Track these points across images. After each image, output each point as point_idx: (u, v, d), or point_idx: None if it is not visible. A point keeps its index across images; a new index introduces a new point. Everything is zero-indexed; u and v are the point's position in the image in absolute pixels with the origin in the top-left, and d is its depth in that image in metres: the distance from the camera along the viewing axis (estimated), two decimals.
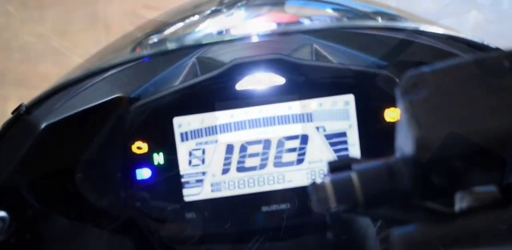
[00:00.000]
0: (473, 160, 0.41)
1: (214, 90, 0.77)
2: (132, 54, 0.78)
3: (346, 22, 0.82)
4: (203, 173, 0.78)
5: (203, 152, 0.78)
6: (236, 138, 0.78)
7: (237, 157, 0.78)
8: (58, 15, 2.49)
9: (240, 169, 0.78)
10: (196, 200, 0.79)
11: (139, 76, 0.80)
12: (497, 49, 0.74)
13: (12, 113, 0.73)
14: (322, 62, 0.79)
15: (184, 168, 0.78)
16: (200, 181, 0.78)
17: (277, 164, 0.78)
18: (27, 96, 0.77)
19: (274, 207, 0.79)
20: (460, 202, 0.45)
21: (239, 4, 0.82)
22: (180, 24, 0.82)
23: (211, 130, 0.78)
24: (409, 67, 0.44)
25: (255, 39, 0.76)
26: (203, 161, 0.78)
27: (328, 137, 0.78)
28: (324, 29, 0.80)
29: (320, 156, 0.79)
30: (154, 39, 0.80)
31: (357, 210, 0.46)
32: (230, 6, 0.81)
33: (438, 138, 0.41)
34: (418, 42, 0.79)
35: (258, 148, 0.78)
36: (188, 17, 0.83)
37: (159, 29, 0.84)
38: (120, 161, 0.78)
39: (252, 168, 0.78)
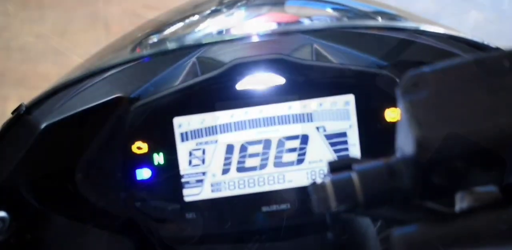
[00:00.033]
0: (474, 160, 0.41)
1: (214, 90, 0.77)
2: (132, 54, 0.78)
3: (346, 22, 0.82)
4: (203, 173, 0.78)
5: (203, 152, 0.78)
6: (236, 138, 0.78)
7: (237, 157, 0.78)
8: (58, 15, 2.49)
9: (240, 169, 0.78)
10: (196, 200, 0.79)
11: (139, 76, 0.80)
12: (497, 49, 0.74)
13: (12, 113, 0.73)
14: (322, 62, 0.79)
15: (184, 168, 0.78)
16: (200, 181, 0.78)
17: (277, 164, 0.78)
18: (27, 96, 0.77)
19: (274, 207, 0.79)
20: (461, 202, 0.45)
21: (239, 4, 0.82)
22: (180, 24, 0.82)
23: (211, 130, 0.78)
24: (409, 67, 0.44)
25: (255, 39, 0.76)
26: (203, 161, 0.78)
27: (328, 137, 0.78)
28: (324, 29, 0.80)
29: (320, 156, 0.79)
30: (154, 39, 0.80)
31: (357, 210, 0.46)
32: (230, 6, 0.81)
33: (439, 137, 0.41)
34: (418, 42, 0.79)
35: (258, 148, 0.78)
36: (188, 17, 0.83)
37: (159, 29, 0.84)
38: (120, 161, 0.78)
39: (252, 168, 0.78)
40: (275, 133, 0.78)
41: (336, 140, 0.78)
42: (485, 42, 0.76)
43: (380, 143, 0.77)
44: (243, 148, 0.78)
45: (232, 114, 0.78)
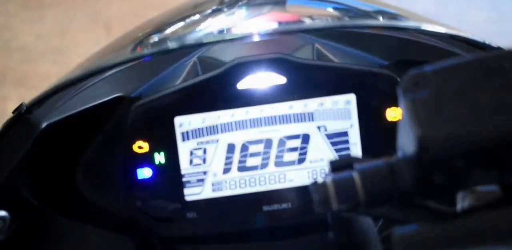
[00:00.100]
0: (474, 159, 0.41)
1: (215, 90, 0.77)
2: (132, 53, 0.78)
3: (347, 21, 0.82)
4: (204, 173, 0.78)
5: (204, 151, 0.78)
6: (237, 137, 0.78)
7: (238, 156, 0.78)
8: (58, 15, 2.50)
9: (241, 169, 0.78)
10: (197, 200, 0.79)
11: (140, 76, 0.80)
12: (498, 48, 0.74)
13: (13, 112, 0.73)
14: (324, 61, 0.79)
15: (185, 167, 0.78)
16: (201, 180, 0.78)
17: (278, 163, 0.78)
18: (27, 96, 0.77)
19: (275, 207, 0.79)
20: (462, 202, 0.45)
21: (240, 3, 0.82)
22: (181, 24, 0.82)
23: (212, 129, 0.78)
24: (410, 67, 0.44)
25: (256, 38, 0.76)
26: (204, 160, 0.78)
27: (329, 136, 0.78)
28: (325, 28, 0.80)
29: (321, 155, 0.79)
30: (155, 38, 0.80)
31: (358, 210, 0.46)
32: (231, 5, 0.81)
33: (440, 137, 0.41)
34: (419, 42, 0.79)
35: (259, 147, 0.78)
36: (189, 16, 0.83)
37: (159, 28, 0.84)
38: (121, 160, 0.78)
39: (253, 168, 0.78)
40: (276, 132, 0.78)
41: (337, 139, 0.78)
42: (486, 42, 0.76)
43: (381, 142, 0.77)
44: (244, 147, 0.78)
45: (233, 114, 0.78)
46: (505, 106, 0.41)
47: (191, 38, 0.78)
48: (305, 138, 0.78)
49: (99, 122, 0.77)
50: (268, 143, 0.78)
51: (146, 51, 0.78)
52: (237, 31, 0.78)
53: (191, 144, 0.78)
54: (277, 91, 0.78)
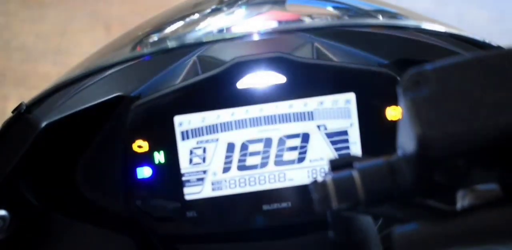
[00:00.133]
0: (475, 158, 0.41)
1: (215, 89, 0.77)
2: (132, 52, 0.77)
3: (347, 20, 0.82)
4: (204, 172, 0.78)
5: (204, 150, 0.78)
6: (237, 136, 0.78)
7: (238, 156, 0.78)
8: (58, 14, 2.50)
9: (241, 168, 0.78)
10: (197, 199, 0.79)
11: (139, 75, 0.80)
12: (498, 47, 0.74)
13: (13, 112, 0.73)
14: (323, 60, 0.79)
15: (185, 166, 0.78)
16: (201, 179, 0.78)
17: (278, 163, 0.78)
18: (27, 96, 0.77)
19: (275, 206, 0.79)
20: (462, 200, 0.45)
21: (239, 2, 0.82)
22: (181, 23, 0.82)
23: (212, 128, 0.77)
24: (410, 66, 0.44)
25: (256, 37, 0.76)
26: (204, 160, 0.78)
27: (329, 135, 0.78)
28: (325, 27, 0.80)
29: (321, 154, 0.79)
30: (155, 37, 0.80)
31: (358, 208, 0.46)
32: (231, 4, 0.81)
33: (440, 136, 0.41)
34: (419, 40, 0.79)
35: (259, 146, 0.78)
36: (188, 15, 0.83)
37: (159, 27, 0.84)
38: (120, 159, 0.78)
39: (253, 167, 0.78)
40: (276, 131, 0.78)
41: (337, 138, 0.78)
42: (486, 41, 0.76)
43: (381, 141, 0.77)
44: (244, 146, 0.78)
45: (233, 113, 0.78)
46: (505, 105, 0.41)
47: (190, 38, 0.78)
48: (305, 137, 0.78)
49: (98, 122, 0.77)
50: (268, 142, 0.78)
51: (146, 50, 0.78)
52: (237, 30, 0.78)
53: (191, 143, 0.78)
54: (277, 90, 0.78)
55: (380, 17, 0.81)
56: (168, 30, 0.82)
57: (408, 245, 0.42)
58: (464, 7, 2.44)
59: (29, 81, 2.23)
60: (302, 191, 0.78)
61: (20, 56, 2.34)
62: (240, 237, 0.81)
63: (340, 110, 0.78)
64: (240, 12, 0.81)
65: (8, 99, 2.14)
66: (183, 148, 0.78)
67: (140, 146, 0.77)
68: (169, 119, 0.77)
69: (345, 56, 0.80)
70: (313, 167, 0.79)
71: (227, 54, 0.79)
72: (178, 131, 0.77)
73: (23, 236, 0.73)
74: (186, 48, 0.78)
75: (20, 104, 0.73)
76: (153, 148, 0.77)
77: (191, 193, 0.78)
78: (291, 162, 0.79)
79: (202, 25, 0.81)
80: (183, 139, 0.78)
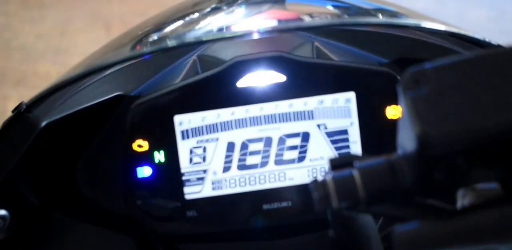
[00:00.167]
0: (475, 156, 0.41)
1: (215, 88, 0.77)
2: (132, 52, 0.77)
3: (347, 19, 0.82)
4: (204, 171, 0.78)
5: (204, 149, 0.78)
6: (237, 135, 0.78)
7: (238, 155, 0.78)
8: (58, 14, 2.50)
9: (241, 167, 0.78)
10: (197, 198, 0.78)
11: (139, 74, 0.79)
12: (498, 46, 0.74)
13: (13, 111, 0.73)
14: (323, 59, 0.79)
15: (185, 166, 0.78)
16: (201, 179, 0.78)
17: (278, 162, 0.78)
18: (27, 95, 0.77)
19: (275, 205, 0.79)
20: (462, 199, 0.45)
21: (239, 1, 0.82)
22: (181, 22, 0.82)
23: (212, 128, 0.77)
24: (410, 64, 0.44)
25: (255, 36, 0.76)
26: (204, 159, 0.78)
27: (329, 134, 0.78)
28: (325, 26, 0.80)
29: (321, 154, 0.78)
30: (155, 37, 0.80)
31: (358, 207, 0.46)
32: (230, 3, 0.81)
33: (440, 134, 0.41)
34: (419, 39, 0.78)
35: (259, 146, 0.78)
36: (188, 14, 0.83)
37: (159, 27, 0.84)
38: (120, 159, 0.78)
39: (253, 166, 0.78)
40: (276, 130, 0.78)
41: (337, 137, 0.78)
42: (486, 40, 0.76)
43: (381, 140, 0.77)
44: (244, 146, 0.78)
45: (233, 112, 0.77)
46: (505, 103, 0.41)
47: (190, 37, 0.78)
48: (305, 136, 0.78)
49: (98, 121, 0.77)
50: (268, 141, 0.78)
51: (146, 49, 0.78)
52: (237, 29, 0.78)
53: (191, 142, 0.78)
54: (277, 89, 0.78)
55: (380, 16, 0.81)
56: (168, 29, 0.82)
57: (409, 244, 0.42)
58: (464, 6, 2.44)
59: (29, 81, 2.23)
60: (302, 190, 0.78)
61: (20, 56, 2.34)
62: (241, 237, 0.81)
63: (340, 109, 0.78)
64: (239, 11, 0.81)
65: (8, 99, 2.14)
66: (183, 147, 0.78)
67: (140, 145, 0.77)
68: (169, 118, 0.77)
69: (345, 55, 0.80)
70: (313, 166, 0.79)
71: (227, 53, 0.79)
72: (178, 130, 0.77)
73: (23, 236, 0.73)
74: (186, 47, 0.78)
75: (20, 104, 0.73)
76: (153, 147, 0.77)
77: (191, 192, 0.78)
78: (291, 161, 0.78)
79: (201, 24, 0.81)
80: (183, 138, 0.77)
